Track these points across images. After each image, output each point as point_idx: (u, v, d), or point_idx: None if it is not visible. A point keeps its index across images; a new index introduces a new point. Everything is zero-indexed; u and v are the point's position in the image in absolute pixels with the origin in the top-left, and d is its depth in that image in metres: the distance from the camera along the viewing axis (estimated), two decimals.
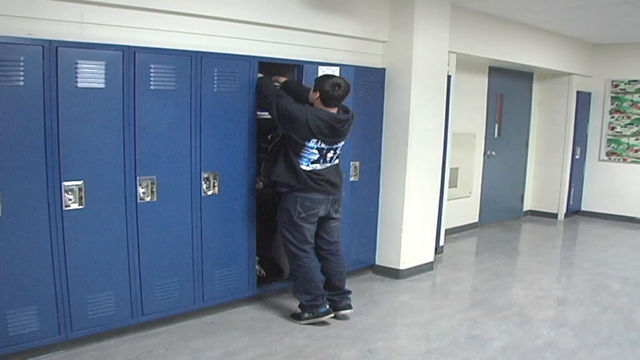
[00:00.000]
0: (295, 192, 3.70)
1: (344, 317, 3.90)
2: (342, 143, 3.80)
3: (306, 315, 3.82)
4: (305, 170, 3.66)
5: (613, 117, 7.81)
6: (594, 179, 8.04)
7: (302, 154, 3.65)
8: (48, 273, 3.09)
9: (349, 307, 3.93)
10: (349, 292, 3.99)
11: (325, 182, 3.71)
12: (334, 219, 3.87)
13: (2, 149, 2.88)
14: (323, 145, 3.65)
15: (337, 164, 3.83)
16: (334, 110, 3.68)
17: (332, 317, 3.85)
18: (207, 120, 3.64)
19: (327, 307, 3.82)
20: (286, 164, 3.71)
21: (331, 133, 3.64)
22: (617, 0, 4.90)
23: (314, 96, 3.68)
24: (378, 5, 4.73)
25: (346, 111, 3.76)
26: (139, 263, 3.45)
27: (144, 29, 3.42)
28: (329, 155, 3.73)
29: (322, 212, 3.76)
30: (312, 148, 3.63)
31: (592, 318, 4.14)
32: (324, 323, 3.81)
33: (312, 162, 3.67)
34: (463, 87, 6.11)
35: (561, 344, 3.65)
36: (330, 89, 3.60)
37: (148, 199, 3.43)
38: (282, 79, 4.01)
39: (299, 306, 3.88)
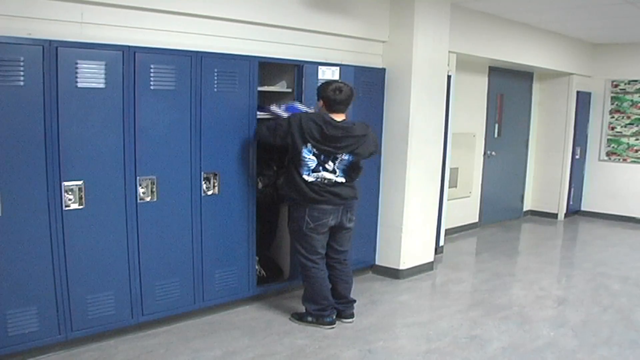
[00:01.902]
0: (302, 203, 3.65)
1: (346, 323, 3.89)
2: (347, 157, 3.62)
3: (309, 319, 3.80)
4: (306, 181, 3.60)
5: (613, 117, 7.81)
6: (594, 179, 8.04)
7: (301, 162, 3.59)
8: (48, 273, 3.09)
9: (352, 316, 3.91)
10: (354, 301, 3.96)
11: (327, 193, 3.63)
12: (347, 228, 3.80)
13: (2, 149, 2.88)
14: (316, 151, 3.57)
15: (343, 183, 3.66)
16: (340, 117, 3.63)
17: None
18: (207, 120, 3.64)
19: (334, 317, 3.80)
20: (287, 176, 3.71)
21: (322, 138, 3.53)
22: (617, 0, 4.91)
23: (319, 105, 3.68)
24: (378, 5, 4.73)
25: (354, 124, 3.64)
26: (139, 263, 3.45)
27: (144, 29, 3.43)
28: (328, 165, 3.61)
29: (332, 222, 3.69)
30: (309, 153, 3.57)
31: (592, 318, 4.14)
32: None
33: (313, 171, 3.60)
34: (463, 87, 6.11)
35: (561, 344, 3.65)
36: (332, 94, 3.58)
37: (148, 199, 3.43)
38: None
39: (305, 309, 3.85)
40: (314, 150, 3.57)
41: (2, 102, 2.85)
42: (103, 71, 3.16)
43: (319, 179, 3.62)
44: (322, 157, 3.60)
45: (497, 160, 7.28)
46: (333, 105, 3.60)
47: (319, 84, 3.79)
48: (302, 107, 3.90)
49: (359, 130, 3.63)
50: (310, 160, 3.59)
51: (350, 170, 3.71)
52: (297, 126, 3.55)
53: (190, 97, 3.55)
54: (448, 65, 5.19)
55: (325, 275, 3.78)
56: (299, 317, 3.86)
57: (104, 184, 3.25)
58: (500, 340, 3.70)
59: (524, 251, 6.57)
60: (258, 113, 3.93)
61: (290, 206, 3.80)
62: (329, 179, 3.64)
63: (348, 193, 3.71)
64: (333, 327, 3.77)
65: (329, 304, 3.78)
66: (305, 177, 3.61)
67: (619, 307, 4.37)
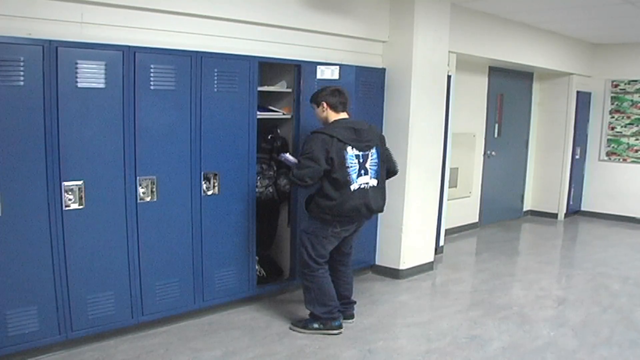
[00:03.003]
0: (337, 211, 3.52)
1: (347, 323, 3.85)
2: (374, 154, 3.61)
3: (315, 325, 3.69)
4: (352, 192, 3.48)
5: (613, 117, 7.81)
6: (594, 179, 8.04)
7: (348, 169, 3.47)
8: (48, 273, 3.09)
9: (352, 316, 3.89)
10: (355, 302, 3.95)
11: (364, 207, 3.55)
12: (358, 232, 3.78)
13: (2, 149, 2.88)
14: (358, 152, 3.52)
15: (374, 186, 3.61)
16: (346, 115, 3.64)
17: None
18: (207, 120, 3.64)
19: (341, 321, 3.73)
20: (321, 197, 3.53)
21: (357, 135, 3.52)
22: (617, 0, 4.91)
23: (322, 110, 3.61)
24: (378, 5, 4.73)
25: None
26: (139, 263, 3.45)
27: (144, 29, 3.43)
28: (367, 165, 3.56)
29: (353, 229, 3.68)
30: (352, 158, 3.49)
31: (592, 318, 4.14)
32: None
33: (358, 176, 3.51)
34: (463, 87, 6.11)
35: (561, 344, 3.65)
36: (332, 97, 3.58)
37: (148, 199, 3.43)
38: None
39: (309, 314, 3.74)
40: (355, 151, 3.51)
41: (2, 102, 2.85)
42: (103, 71, 3.16)
43: (362, 185, 3.54)
44: (361, 158, 3.54)
45: (497, 160, 7.29)
46: (338, 106, 3.60)
47: (317, 87, 3.76)
48: (291, 158, 3.79)
49: (367, 124, 3.69)
50: (354, 164, 3.50)
51: (382, 170, 3.68)
52: (328, 136, 3.46)
53: (190, 97, 3.55)
54: (448, 65, 5.19)
55: (329, 275, 3.73)
56: (302, 326, 3.73)
57: (104, 184, 3.25)
58: (500, 340, 3.70)
59: (524, 251, 6.57)
60: (258, 113, 3.94)
61: (314, 209, 3.58)
62: (369, 184, 3.58)
63: (379, 204, 3.66)
64: (341, 332, 3.69)
65: (336, 305, 3.70)
66: (353, 186, 3.48)
67: (619, 307, 4.37)
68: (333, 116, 3.61)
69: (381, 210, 3.75)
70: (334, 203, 3.49)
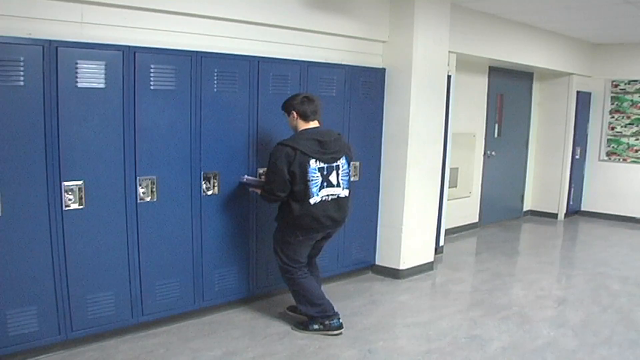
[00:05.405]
0: (297, 223, 3.50)
1: None
2: (344, 165, 3.59)
3: (315, 326, 3.69)
4: (310, 206, 3.44)
5: (613, 117, 7.82)
6: (594, 179, 8.05)
7: (309, 182, 3.41)
8: (48, 273, 3.10)
9: None
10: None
11: (326, 218, 3.50)
12: (328, 238, 3.74)
13: (2, 149, 2.88)
14: (322, 164, 3.46)
15: (346, 197, 3.60)
16: (316, 124, 3.55)
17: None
18: (207, 120, 3.64)
19: (340, 321, 3.70)
20: (286, 208, 3.53)
21: (322, 147, 3.45)
22: (617, 0, 4.91)
23: (293, 118, 3.54)
24: (378, 5, 4.73)
25: (328, 129, 3.62)
26: (139, 263, 3.45)
27: (144, 29, 3.43)
28: (332, 178, 3.51)
29: (319, 237, 3.64)
30: (315, 171, 3.42)
31: (592, 318, 4.14)
32: None
33: (320, 189, 3.46)
34: (463, 87, 6.11)
35: (561, 344, 3.65)
36: (301, 105, 3.50)
37: (148, 199, 3.44)
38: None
39: (307, 317, 3.73)
40: (319, 163, 3.45)
41: (2, 102, 2.85)
42: (103, 71, 3.16)
43: (324, 198, 3.49)
44: (325, 171, 3.48)
45: (497, 160, 7.29)
46: (309, 115, 3.51)
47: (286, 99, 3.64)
48: (252, 178, 3.82)
49: (335, 133, 3.62)
50: (316, 178, 3.45)
51: (350, 180, 3.67)
52: (292, 149, 3.39)
53: (190, 97, 3.55)
54: (448, 65, 5.19)
55: (310, 275, 3.71)
56: (303, 327, 3.73)
57: (104, 184, 3.25)
58: (500, 340, 3.70)
59: (524, 251, 6.57)
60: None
61: (279, 219, 3.64)
62: (335, 194, 3.53)
63: (343, 216, 3.62)
64: (341, 332, 3.69)
65: (328, 304, 3.69)
66: (313, 199, 3.44)
67: (619, 307, 4.37)
68: (302, 125, 3.52)
69: (344, 222, 3.68)
70: (293, 215, 3.47)
